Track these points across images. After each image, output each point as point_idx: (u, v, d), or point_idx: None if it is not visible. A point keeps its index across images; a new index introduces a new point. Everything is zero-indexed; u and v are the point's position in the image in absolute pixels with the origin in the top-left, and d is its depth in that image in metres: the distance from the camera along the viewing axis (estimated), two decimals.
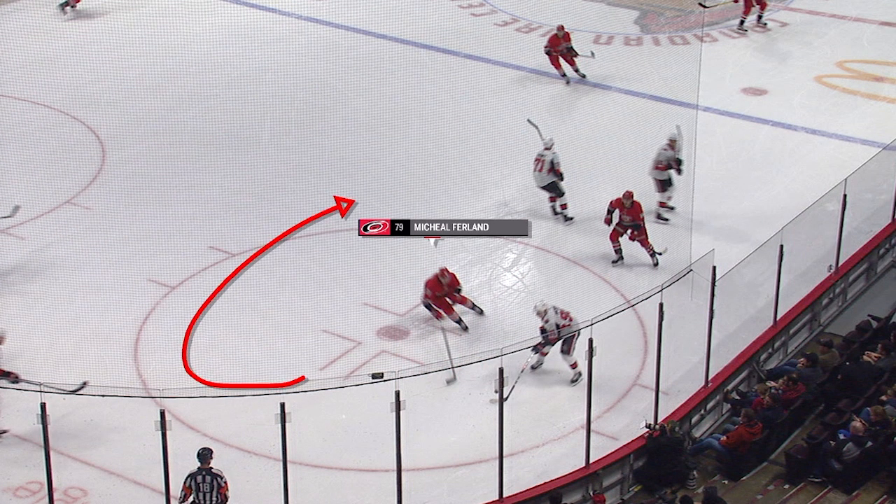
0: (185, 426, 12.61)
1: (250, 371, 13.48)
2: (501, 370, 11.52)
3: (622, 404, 13.38)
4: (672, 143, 16.37)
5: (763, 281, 14.66)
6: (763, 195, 17.17)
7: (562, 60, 20.07)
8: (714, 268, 13.40)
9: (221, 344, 14.18)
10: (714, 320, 13.34)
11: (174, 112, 19.53)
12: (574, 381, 13.48)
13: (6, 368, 12.70)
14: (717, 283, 13.29)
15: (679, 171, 16.36)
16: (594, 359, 11.95)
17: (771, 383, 13.52)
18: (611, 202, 15.50)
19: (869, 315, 14.79)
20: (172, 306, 14.89)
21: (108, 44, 21.46)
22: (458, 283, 14.61)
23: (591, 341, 11.85)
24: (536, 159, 16.54)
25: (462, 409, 13.24)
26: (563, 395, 13.31)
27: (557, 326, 13.43)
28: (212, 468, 11.22)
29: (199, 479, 11.20)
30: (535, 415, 13.15)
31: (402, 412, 11.08)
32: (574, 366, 13.47)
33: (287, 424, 10.88)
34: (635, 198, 15.42)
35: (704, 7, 21.73)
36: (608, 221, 15.58)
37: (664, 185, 16.48)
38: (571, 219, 16.62)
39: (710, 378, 13.50)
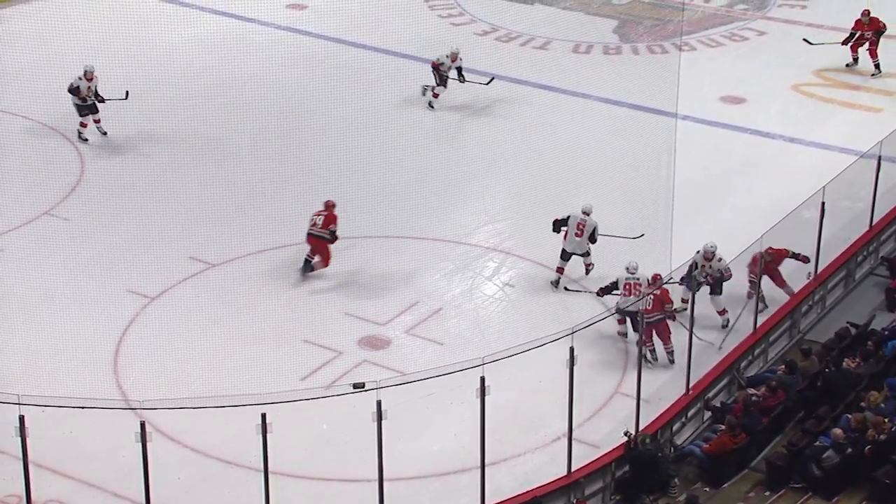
0: (166, 437, 12.55)
1: (232, 381, 13.43)
2: (483, 379, 11.51)
3: (604, 412, 13.40)
4: None
5: (743, 288, 14.71)
6: (742, 203, 17.25)
7: None
8: (694, 276, 13.43)
9: (203, 354, 14.13)
10: (694, 328, 13.38)
11: (154, 122, 19.48)
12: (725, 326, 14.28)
13: None
14: (696, 291, 13.32)
15: None
16: (575, 367, 11.97)
17: (751, 390, 13.56)
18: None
19: (847, 322, 14.87)
20: (152, 317, 14.83)
21: (87, 54, 21.39)
22: None
23: (572, 350, 11.87)
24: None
25: (444, 418, 13.22)
26: (545, 403, 13.31)
27: (720, 273, 14.13)
28: None
29: None
30: (517, 423, 13.16)
31: (383, 422, 11.07)
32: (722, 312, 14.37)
33: (268, 435, 10.85)
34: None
35: (810, 44, 21.24)
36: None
37: None
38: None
39: (690, 386, 13.53)
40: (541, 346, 11.87)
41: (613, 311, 14.46)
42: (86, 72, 18.58)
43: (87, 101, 18.60)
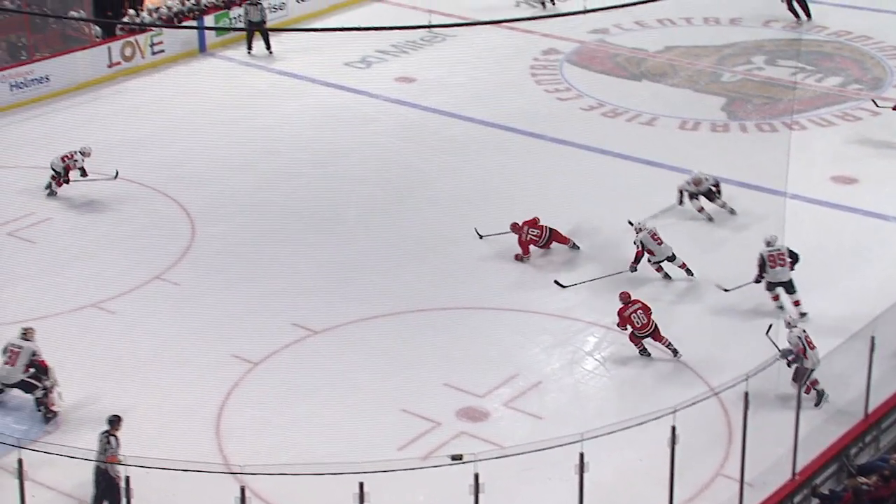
0: (264, 503, 12.62)
1: (330, 449, 13.49)
2: (582, 455, 11.36)
3: (705, 494, 13.08)
4: None
5: (853, 372, 14.29)
6: (853, 285, 16.84)
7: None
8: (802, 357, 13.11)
9: (301, 421, 14.24)
10: (801, 411, 13.04)
11: (263, 190, 19.92)
12: (818, 405, 14.23)
13: None
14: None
15: None
16: (676, 447, 11.74)
17: (862, 479, 13.11)
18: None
19: None
20: (255, 382, 15.02)
21: (200, 123, 22.07)
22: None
23: (673, 429, 11.66)
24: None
25: (541, 494, 13.06)
26: (645, 482, 13.07)
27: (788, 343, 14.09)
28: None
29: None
30: (616, 502, 12.92)
31: (480, 495, 10.98)
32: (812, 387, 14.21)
33: None
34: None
35: (876, 105, 21.66)
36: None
37: None
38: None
39: (797, 471, 13.16)
40: (641, 423, 11.68)
41: (716, 392, 14.19)
42: (79, 167, 19.55)
43: (60, 175, 19.50)
